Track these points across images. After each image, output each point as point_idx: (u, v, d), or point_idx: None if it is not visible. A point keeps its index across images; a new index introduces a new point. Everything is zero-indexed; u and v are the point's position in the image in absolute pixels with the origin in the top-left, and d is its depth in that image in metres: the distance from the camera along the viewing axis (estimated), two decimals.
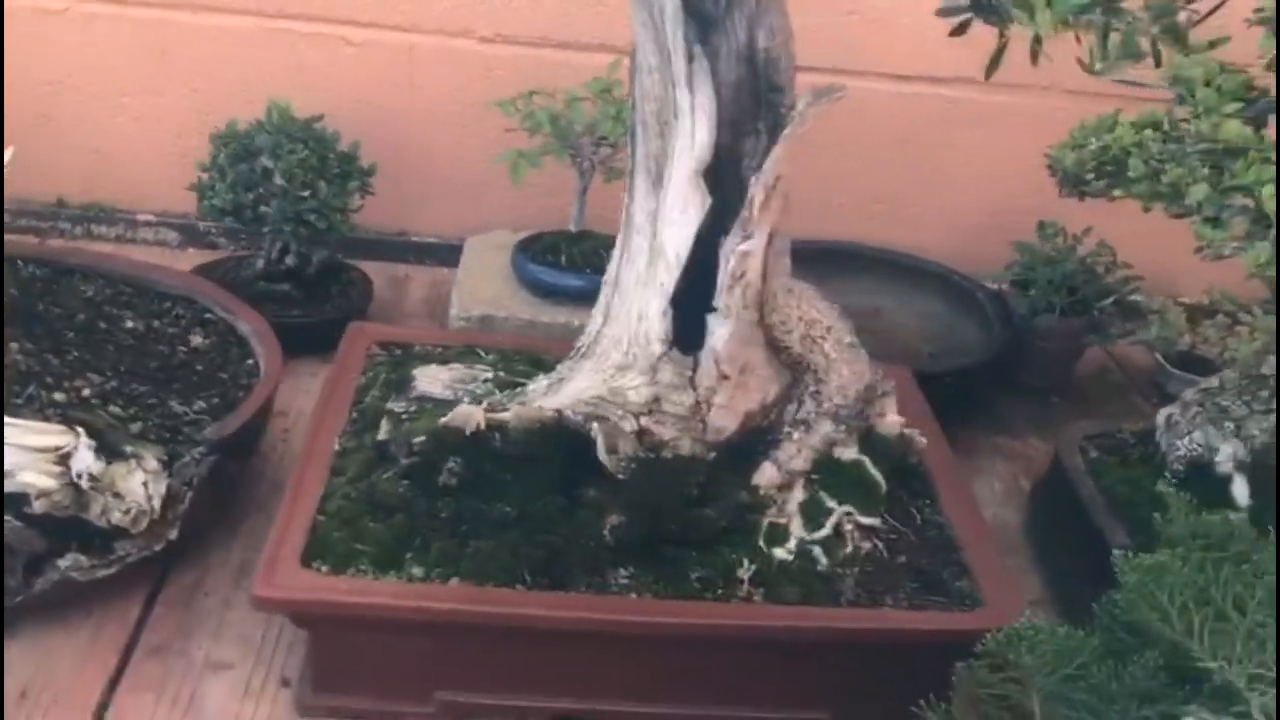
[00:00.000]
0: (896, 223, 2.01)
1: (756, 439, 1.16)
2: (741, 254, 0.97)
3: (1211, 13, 0.95)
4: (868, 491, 1.18)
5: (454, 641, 1.04)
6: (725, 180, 1.01)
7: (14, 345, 1.29)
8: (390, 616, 1.00)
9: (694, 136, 0.94)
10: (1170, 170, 1.09)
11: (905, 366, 1.49)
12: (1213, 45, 0.94)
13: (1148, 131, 1.16)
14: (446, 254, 1.90)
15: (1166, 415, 1.37)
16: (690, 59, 0.92)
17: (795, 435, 1.15)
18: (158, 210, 1.92)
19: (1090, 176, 1.20)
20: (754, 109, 0.97)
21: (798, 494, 1.15)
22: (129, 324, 1.40)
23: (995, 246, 1.84)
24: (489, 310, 1.62)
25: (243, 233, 1.80)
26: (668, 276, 1.00)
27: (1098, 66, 0.89)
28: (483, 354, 1.37)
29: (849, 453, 1.18)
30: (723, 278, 0.99)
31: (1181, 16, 0.92)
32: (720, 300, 1.01)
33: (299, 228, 1.58)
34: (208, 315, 1.44)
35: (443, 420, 1.09)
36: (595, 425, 1.05)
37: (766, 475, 1.14)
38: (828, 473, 1.17)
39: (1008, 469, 1.62)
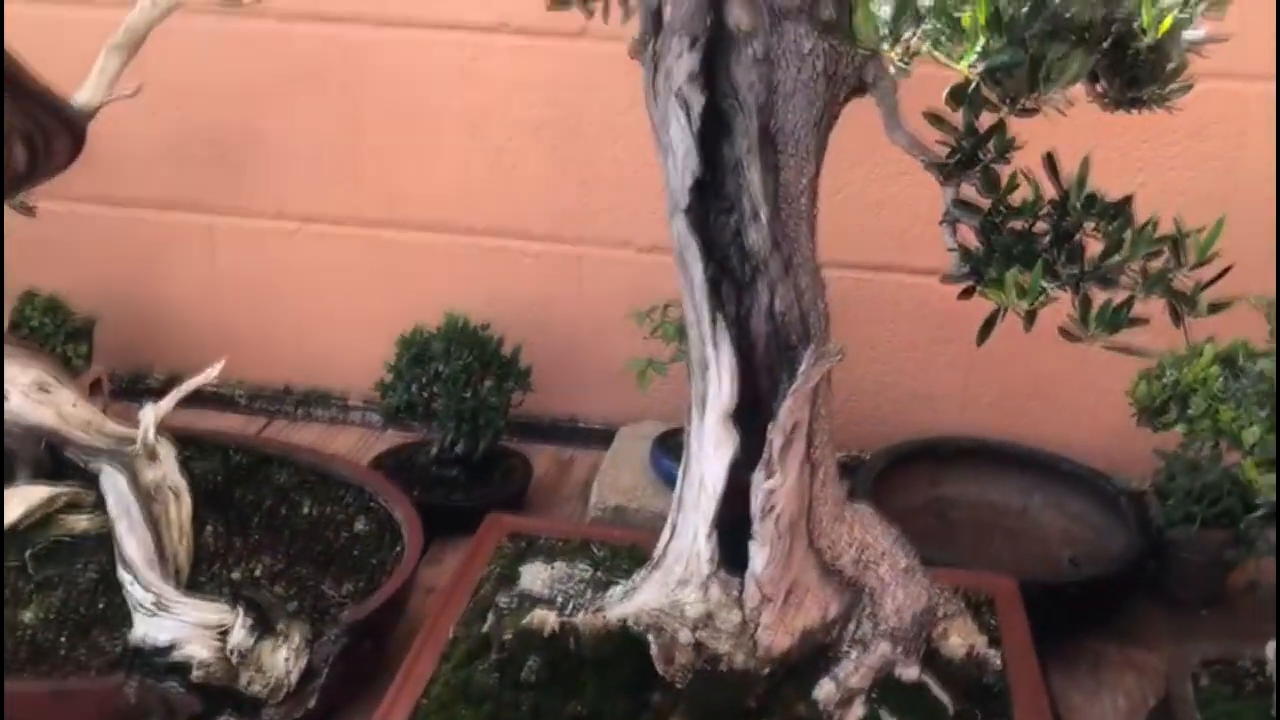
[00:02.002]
0: (1043, 419, 2.01)
1: (820, 654, 1.23)
2: (766, 491, 1.07)
3: (1214, 280, 0.98)
4: (930, 713, 1.22)
5: None
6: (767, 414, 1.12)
7: (209, 527, 1.54)
8: None
9: (720, 387, 1.06)
10: (1223, 411, 1.10)
11: (1011, 576, 1.50)
12: (1215, 309, 0.97)
13: (1214, 368, 1.17)
14: (610, 440, 2.07)
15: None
16: (714, 322, 1.05)
17: (853, 654, 1.20)
18: (365, 396, 2.20)
19: (1163, 410, 1.22)
20: (779, 360, 1.08)
21: (856, 711, 1.20)
22: (305, 509, 1.63)
23: (1144, 446, 1.81)
24: (623, 501, 1.76)
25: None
26: (708, 504, 1.11)
27: (1089, 333, 0.94)
28: (595, 549, 1.50)
29: (910, 673, 1.22)
30: (754, 509, 1.09)
31: (1185, 283, 0.96)
32: (755, 529, 1.10)
33: (462, 423, 1.79)
34: (372, 504, 1.65)
35: (524, 621, 1.22)
36: (652, 636, 1.16)
37: (825, 691, 1.20)
38: (888, 692, 1.22)
39: (1136, 685, 1.57)
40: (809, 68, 1.08)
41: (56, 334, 1.92)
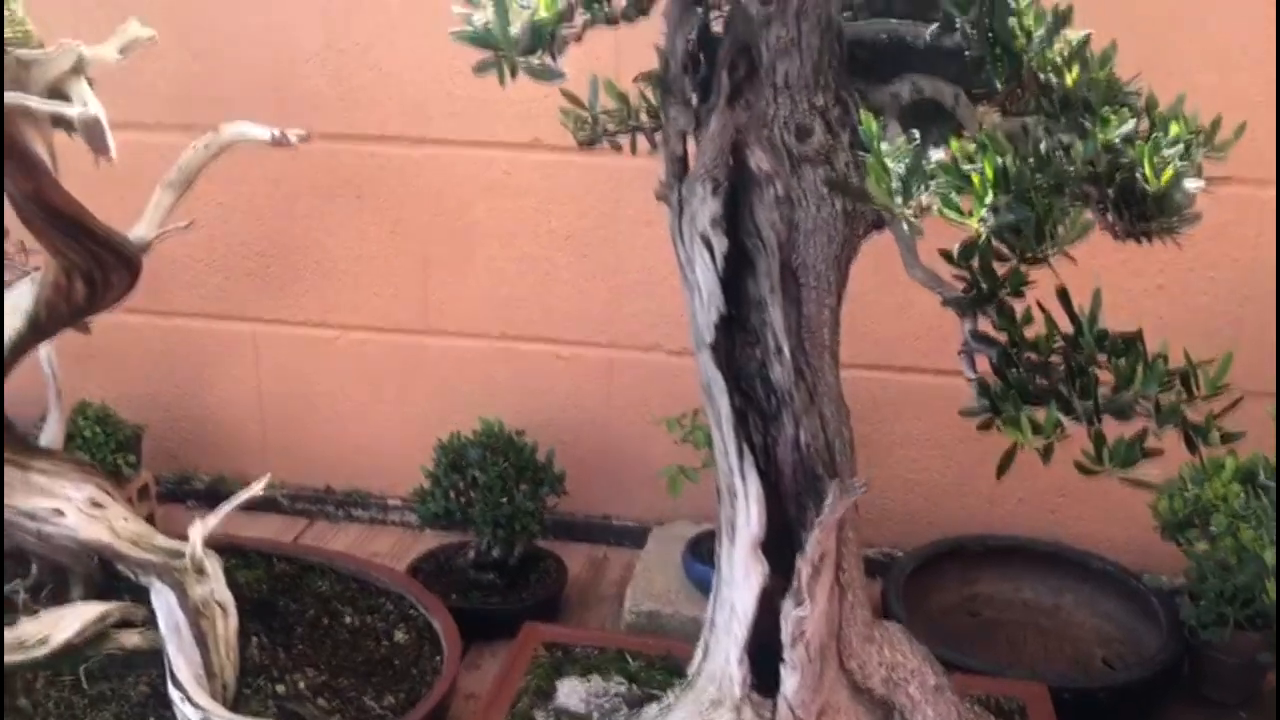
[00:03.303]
0: (1073, 515, 2.02)
1: None
2: (796, 619, 1.10)
3: (1226, 411, 1.01)
4: None
5: None
6: (796, 539, 1.15)
7: (254, 639, 1.58)
8: None
9: (749, 517, 1.10)
10: (1244, 530, 1.12)
11: (1042, 682, 1.51)
12: (1227, 439, 0.99)
13: (1234, 486, 1.19)
14: (642, 537, 2.10)
15: None
16: (741, 454, 1.09)
17: None
18: (404, 496, 2.25)
19: (1186, 525, 1.24)
20: (805, 489, 1.12)
21: None
22: (348, 619, 1.67)
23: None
24: (657, 606, 1.79)
25: None
26: (739, 630, 1.14)
27: (1104, 469, 0.97)
28: (630, 660, 1.53)
29: None
30: (785, 636, 1.12)
31: (1198, 414, 0.99)
32: (786, 654, 1.13)
33: (498, 528, 1.83)
34: (412, 612, 1.69)
35: None
36: None
37: None
38: None
39: None
40: (828, 207, 1.13)
41: (107, 444, 1.99)
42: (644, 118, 1.33)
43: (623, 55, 1.54)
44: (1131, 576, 1.85)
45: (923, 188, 0.89)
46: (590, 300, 2.09)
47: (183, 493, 2.32)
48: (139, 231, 1.44)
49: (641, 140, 1.33)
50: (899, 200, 0.90)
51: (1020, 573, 1.97)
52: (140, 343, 2.25)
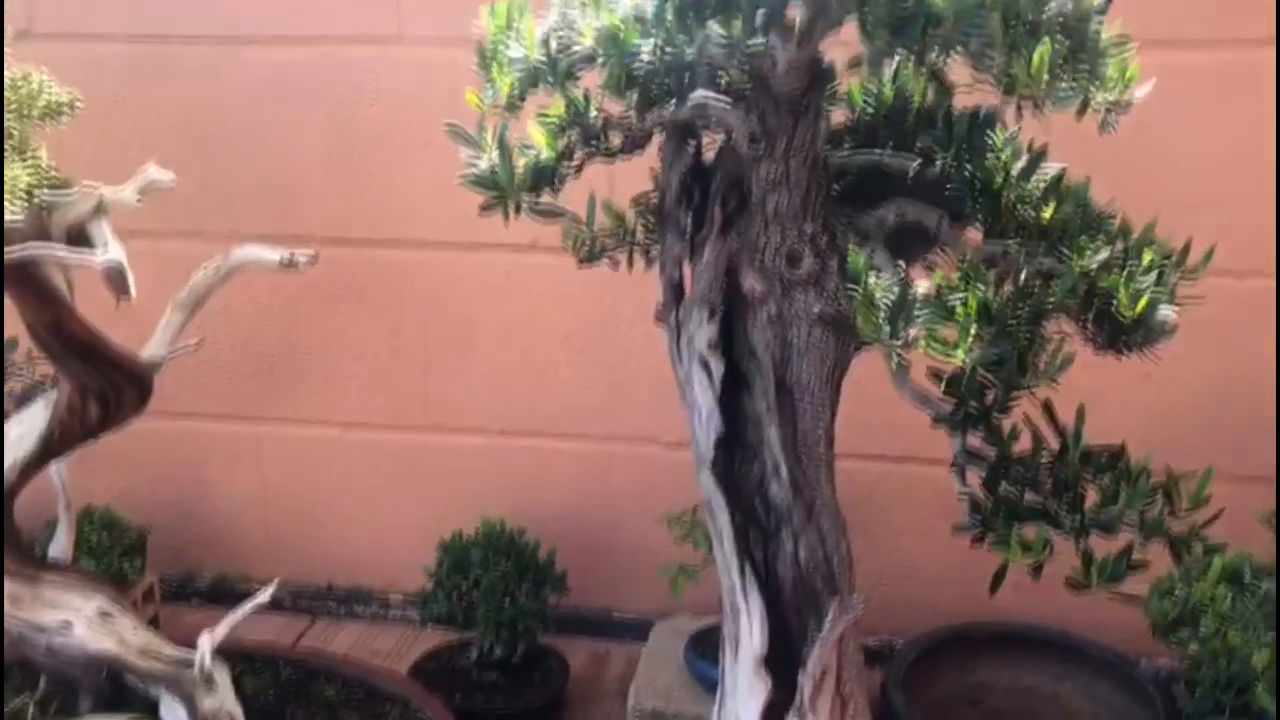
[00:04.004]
0: (1070, 600, 2.04)
1: None
2: None
3: (1208, 523, 1.05)
4: None
5: None
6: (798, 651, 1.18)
7: None
8: None
9: (751, 634, 1.13)
10: (1232, 635, 1.16)
11: None
12: (1210, 551, 1.03)
13: (1221, 587, 1.23)
14: (644, 631, 2.12)
15: None
16: (743, 572, 1.12)
17: None
18: (406, 592, 2.26)
19: (1176, 626, 1.27)
20: (805, 605, 1.15)
21: None
22: None
23: None
24: (660, 705, 1.80)
25: None
26: None
27: (1093, 586, 1.00)
28: None
29: None
30: None
31: (1181, 526, 1.03)
32: None
33: (501, 629, 1.85)
34: (418, 717, 1.70)
35: None
36: None
37: None
38: None
39: None
40: (820, 327, 1.17)
41: (113, 549, 2.01)
42: (640, 235, 1.38)
43: (617, 175, 1.59)
44: (1129, 663, 1.87)
45: (909, 323, 0.94)
46: (588, 395, 2.13)
47: (187, 592, 2.33)
48: (150, 351, 1.47)
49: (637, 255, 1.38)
50: (886, 334, 0.94)
51: (1021, 660, 1.98)
52: (145, 443, 2.27)
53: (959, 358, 0.93)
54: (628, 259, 1.39)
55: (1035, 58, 0.80)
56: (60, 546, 1.67)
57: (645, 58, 0.89)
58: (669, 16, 0.86)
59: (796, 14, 0.86)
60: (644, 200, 1.31)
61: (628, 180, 1.32)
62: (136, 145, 2.08)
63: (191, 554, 2.33)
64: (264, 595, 1.66)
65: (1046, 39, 0.80)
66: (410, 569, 2.19)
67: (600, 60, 0.93)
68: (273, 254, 1.39)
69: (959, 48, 0.81)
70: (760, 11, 0.84)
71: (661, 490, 2.09)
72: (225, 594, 2.28)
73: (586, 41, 0.92)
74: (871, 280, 0.99)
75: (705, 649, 1.86)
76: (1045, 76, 0.81)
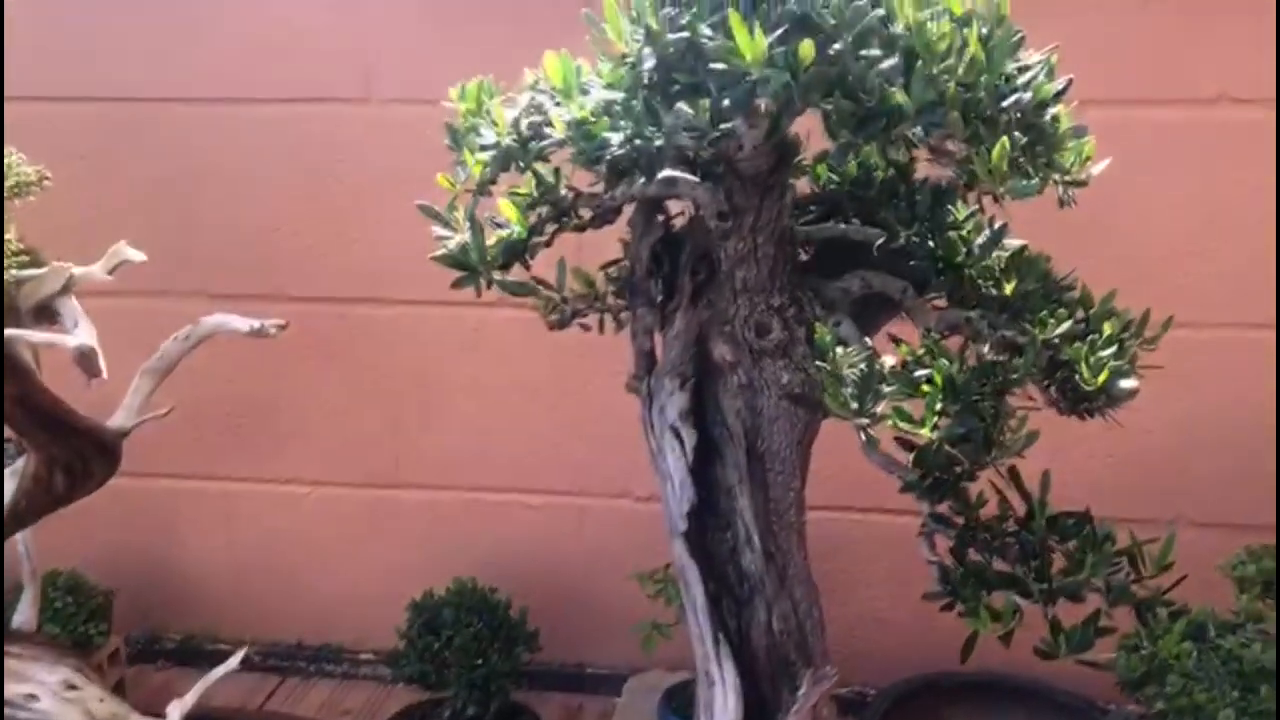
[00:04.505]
0: None
1: None
2: None
3: (1172, 587, 1.07)
4: None
5: None
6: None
7: None
8: None
9: (725, 704, 1.13)
10: (1196, 694, 1.17)
11: None
12: (1175, 616, 1.05)
13: (1186, 644, 1.24)
14: (617, 685, 2.12)
15: None
16: (717, 641, 1.13)
17: None
18: (377, 649, 2.24)
19: (1143, 683, 1.28)
20: (778, 672, 1.16)
21: None
22: None
23: None
24: None
25: None
26: None
27: (1062, 654, 1.02)
28: None
29: None
30: None
31: (1145, 591, 1.05)
32: None
33: (474, 689, 1.84)
34: None
35: None
36: None
37: None
38: None
39: None
40: (789, 392, 1.19)
41: (78, 614, 1.98)
42: (610, 299, 1.40)
43: (586, 237, 1.61)
44: (1099, 710, 1.89)
45: (876, 399, 0.95)
46: (559, 450, 2.13)
47: (153, 653, 2.30)
48: (118, 420, 1.47)
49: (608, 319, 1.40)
50: (854, 411, 0.96)
51: (992, 707, 1.99)
52: (111, 503, 2.22)
53: (925, 434, 0.94)
54: (599, 323, 1.40)
55: (995, 153, 0.82)
56: (25, 616, 1.65)
57: (615, 148, 0.90)
58: (638, 108, 0.88)
59: (762, 100, 0.88)
60: (614, 266, 1.33)
61: (597, 241, 1.33)
62: (106, 203, 2.08)
63: (158, 614, 2.30)
64: (233, 662, 1.65)
65: (1004, 137, 0.83)
66: (381, 626, 2.18)
67: (571, 148, 0.95)
68: (243, 323, 1.39)
69: (920, 143, 0.83)
70: (727, 102, 0.85)
71: (634, 544, 2.09)
72: (193, 654, 2.25)
73: (558, 132, 0.93)
74: (838, 353, 1.01)
75: (679, 704, 1.86)
76: (1005, 170, 0.83)
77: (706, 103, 0.92)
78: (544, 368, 2.11)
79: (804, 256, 1.23)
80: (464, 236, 1.05)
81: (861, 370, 0.98)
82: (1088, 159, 0.98)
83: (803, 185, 1.23)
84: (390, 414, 2.16)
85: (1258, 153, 1.83)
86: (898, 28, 0.81)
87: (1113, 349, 1.02)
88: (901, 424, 0.94)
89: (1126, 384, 1.01)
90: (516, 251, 1.08)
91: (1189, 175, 1.87)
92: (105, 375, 1.10)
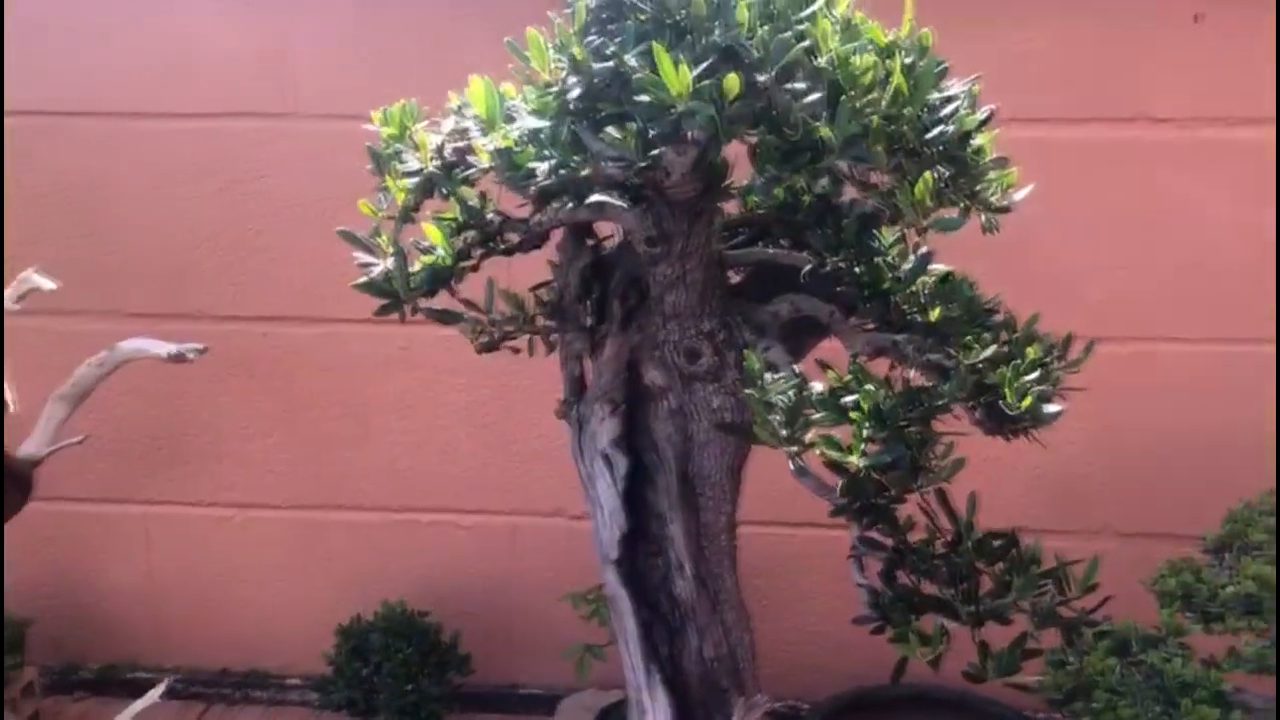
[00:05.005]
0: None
1: None
2: None
3: (1097, 608, 1.08)
4: None
5: None
6: None
7: None
8: None
9: None
10: (1122, 709, 1.19)
11: None
12: (1101, 636, 1.06)
13: (1111, 660, 1.26)
14: (551, 704, 2.09)
15: None
16: (648, 671, 1.12)
17: None
18: (304, 675, 2.19)
19: (1070, 699, 1.30)
20: (710, 700, 1.15)
21: None
22: None
23: None
24: None
25: None
26: None
27: (990, 677, 1.02)
28: None
29: None
30: None
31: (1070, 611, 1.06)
32: None
33: (405, 715, 1.81)
34: None
35: None
36: None
37: None
38: None
39: None
40: (719, 419, 1.19)
41: None
42: (539, 321, 1.38)
43: (516, 259, 1.60)
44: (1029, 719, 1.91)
45: (805, 428, 0.95)
46: (490, 469, 2.11)
47: (70, 683, 2.22)
48: (30, 447, 1.42)
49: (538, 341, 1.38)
50: (784, 440, 0.96)
51: None
52: (26, 530, 2.16)
53: (854, 460, 0.94)
54: (528, 345, 1.38)
55: (918, 189, 0.82)
56: None
57: (541, 178, 0.89)
58: (564, 136, 0.87)
59: (689, 131, 0.87)
60: (544, 288, 1.31)
61: (525, 263, 1.31)
62: (15, 220, 2.01)
63: (75, 644, 2.23)
64: (154, 695, 1.60)
65: (928, 172, 0.83)
66: (308, 651, 2.13)
67: (497, 176, 0.93)
68: (161, 348, 1.36)
69: (845, 177, 0.83)
70: (655, 132, 0.85)
71: (566, 563, 2.08)
72: (112, 683, 2.18)
73: (483, 161, 0.92)
74: (768, 380, 1.01)
75: None
76: (928, 204, 0.84)
77: (634, 127, 0.91)
78: (474, 385, 2.08)
79: (735, 279, 1.23)
80: (388, 263, 1.03)
81: (790, 397, 0.97)
82: (1009, 186, 0.99)
83: (732, 207, 1.23)
84: (317, 434, 2.12)
85: (1175, 170, 1.87)
86: (822, 60, 0.81)
87: (1036, 373, 1.03)
88: (830, 452, 0.94)
89: (1050, 409, 1.02)
90: (442, 278, 1.06)
91: (1109, 193, 1.91)
92: (14, 408, 1.06)
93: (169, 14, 1.98)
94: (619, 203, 1.05)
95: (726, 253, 1.16)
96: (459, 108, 1.03)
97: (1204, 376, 1.94)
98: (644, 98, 0.83)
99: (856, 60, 0.81)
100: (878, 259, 1.05)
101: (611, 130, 0.91)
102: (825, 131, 0.79)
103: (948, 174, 0.88)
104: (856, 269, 1.06)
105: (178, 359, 1.33)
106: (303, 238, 2.02)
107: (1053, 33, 1.86)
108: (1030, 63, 1.84)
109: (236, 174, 2.02)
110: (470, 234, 1.10)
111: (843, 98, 0.80)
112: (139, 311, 2.05)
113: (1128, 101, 1.88)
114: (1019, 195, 1.01)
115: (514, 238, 1.14)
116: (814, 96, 0.80)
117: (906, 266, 1.05)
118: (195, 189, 2.02)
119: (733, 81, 0.79)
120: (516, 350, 1.40)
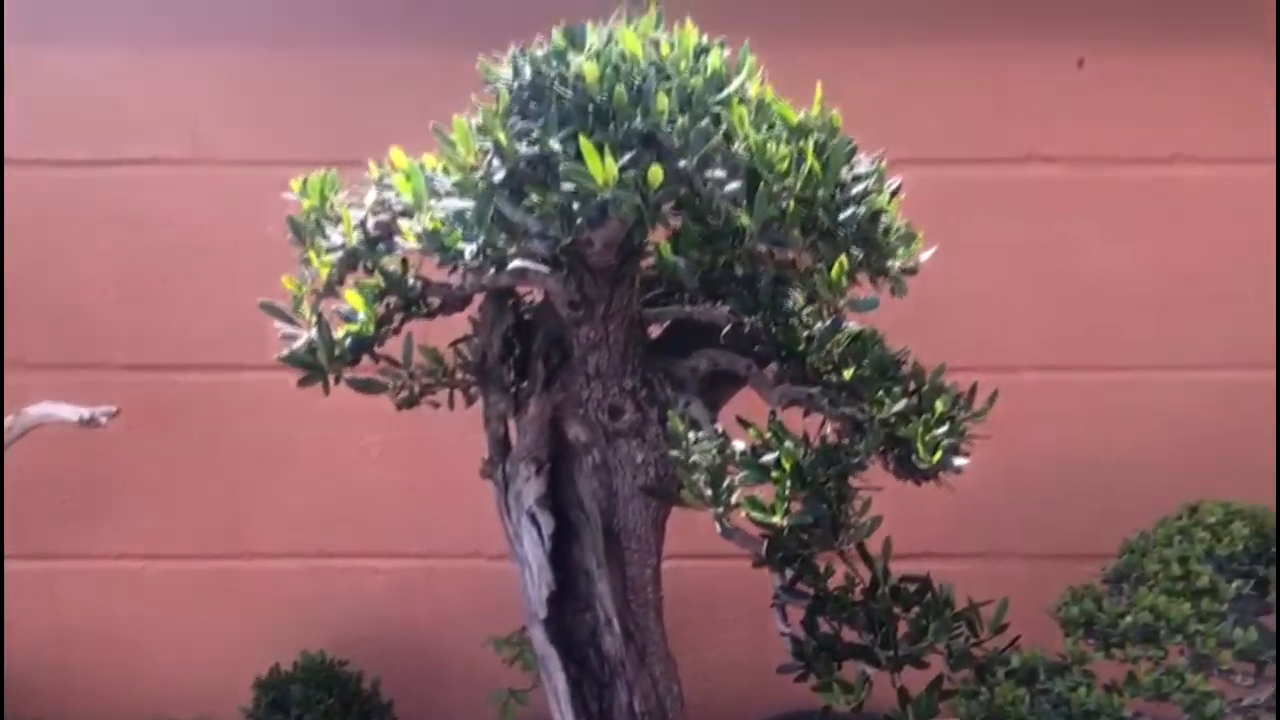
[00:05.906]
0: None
1: None
2: None
3: (1008, 647, 1.13)
4: None
5: None
6: None
7: None
8: None
9: None
10: None
11: None
12: (1010, 675, 1.11)
13: (1020, 689, 1.31)
14: None
15: None
16: None
17: None
18: None
19: None
20: None
21: None
22: None
23: None
24: None
25: None
26: None
27: (908, 717, 1.07)
28: None
29: None
30: None
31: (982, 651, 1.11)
32: None
33: None
34: None
35: None
36: None
37: None
38: None
39: None
40: (643, 475, 1.21)
41: None
42: (459, 375, 1.39)
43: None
44: None
45: (730, 491, 0.98)
46: (406, 511, 2.10)
47: None
48: None
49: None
50: (709, 501, 0.99)
51: None
52: None
53: (778, 520, 0.98)
54: (449, 399, 1.39)
55: (834, 271, 0.86)
56: None
57: (469, 259, 0.90)
58: (489, 216, 0.89)
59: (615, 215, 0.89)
60: (463, 343, 1.32)
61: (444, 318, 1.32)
62: None
63: None
64: None
65: (843, 255, 0.87)
66: (225, 704, 2.09)
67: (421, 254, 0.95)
68: (71, 412, 1.33)
69: (764, 259, 0.86)
70: (580, 218, 0.87)
71: (487, 604, 2.08)
72: None
73: (409, 242, 0.93)
74: (691, 439, 1.04)
75: None
76: (844, 285, 0.88)
77: (557, 200, 0.93)
78: (387, 428, 2.07)
79: (654, 332, 1.25)
80: (311, 334, 1.03)
81: (714, 457, 1.00)
82: (916, 249, 1.03)
83: (647, 261, 1.26)
84: (227, 481, 2.09)
85: (1067, 207, 1.97)
86: (738, 146, 0.84)
87: (945, 426, 1.07)
88: (754, 513, 0.97)
89: (959, 461, 1.07)
90: (365, 345, 1.07)
91: (1002, 229, 1.99)
92: None
93: (59, 62, 1.94)
94: (541, 268, 1.06)
95: (645, 311, 1.19)
96: (380, 178, 1.04)
97: (1102, 405, 2.05)
98: (569, 186, 0.85)
99: (772, 148, 0.84)
100: (792, 319, 1.08)
101: (535, 196, 0.93)
102: (745, 219, 0.83)
103: (860, 256, 0.92)
104: (773, 328, 1.09)
105: (89, 424, 1.31)
106: (211, 285, 2.00)
107: (944, 76, 1.94)
108: (925, 104, 1.92)
109: (140, 221, 1.98)
110: (392, 299, 1.11)
111: (760, 184, 0.83)
112: (42, 362, 2.00)
113: (1018, 142, 1.96)
114: (924, 256, 1.06)
115: (435, 301, 1.15)
116: (733, 185, 0.84)
117: (820, 327, 1.09)
118: (97, 237, 1.98)
119: (656, 173, 0.82)
120: (436, 405, 1.40)
